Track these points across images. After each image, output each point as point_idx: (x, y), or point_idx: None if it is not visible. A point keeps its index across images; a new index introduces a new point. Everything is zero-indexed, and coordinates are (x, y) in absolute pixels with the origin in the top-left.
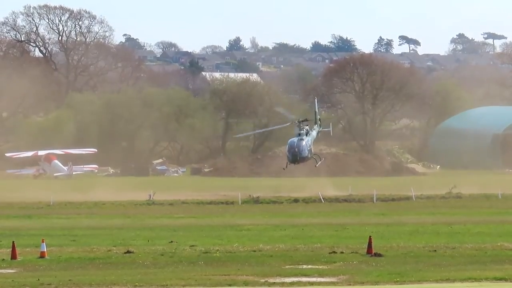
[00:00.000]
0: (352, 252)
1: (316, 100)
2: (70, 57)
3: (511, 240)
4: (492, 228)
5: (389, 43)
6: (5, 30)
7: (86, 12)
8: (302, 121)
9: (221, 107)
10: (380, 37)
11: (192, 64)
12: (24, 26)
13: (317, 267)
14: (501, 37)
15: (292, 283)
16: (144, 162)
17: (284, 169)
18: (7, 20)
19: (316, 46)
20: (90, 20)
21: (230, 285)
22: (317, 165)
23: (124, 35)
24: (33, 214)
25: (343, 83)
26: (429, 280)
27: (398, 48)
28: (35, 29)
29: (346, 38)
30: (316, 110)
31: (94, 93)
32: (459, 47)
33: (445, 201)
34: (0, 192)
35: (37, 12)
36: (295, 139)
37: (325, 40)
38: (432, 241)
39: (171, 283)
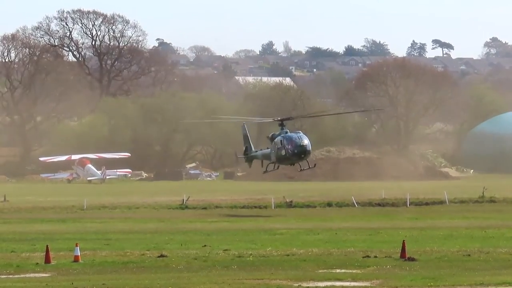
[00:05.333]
0: (385, 257)
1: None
2: (104, 61)
3: None
4: None
5: (422, 47)
6: (39, 34)
7: (119, 16)
8: (285, 119)
9: (254, 111)
10: (413, 41)
11: (225, 68)
12: (58, 31)
13: (350, 271)
14: None
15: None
16: (178, 166)
17: (264, 172)
18: (41, 25)
19: (349, 50)
20: (124, 25)
21: None
22: (301, 170)
23: (157, 39)
24: (67, 218)
25: (377, 87)
26: (463, 285)
27: (432, 52)
28: (68, 33)
29: (379, 42)
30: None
31: (127, 98)
32: (493, 50)
33: (479, 205)
34: (34, 196)
35: (71, 17)
36: (293, 134)
37: (358, 44)
38: (466, 246)
39: (205, 287)
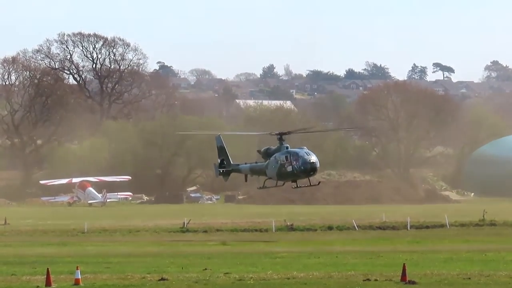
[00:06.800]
0: (386, 280)
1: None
2: (104, 84)
3: None
4: None
5: (423, 70)
6: (39, 57)
7: (120, 39)
8: (284, 133)
9: (255, 137)
10: (414, 64)
11: (226, 91)
12: (58, 54)
13: None
14: None
15: None
16: (178, 190)
17: (260, 188)
18: (41, 48)
19: (350, 73)
20: (124, 48)
21: None
22: (297, 187)
23: (158, 62)
24: (68, 241)
25: (377, 110)
26: None
27: (432, 75)
28: (69, 56)
29: (380, 65)
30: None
31: (128, 121)
32: (493, 74)
33: (479, 228)
34: (34, 219)
35: (71, 40)
36: (299, 150)
37: (359, 67)
38: (466, 269)
39: None
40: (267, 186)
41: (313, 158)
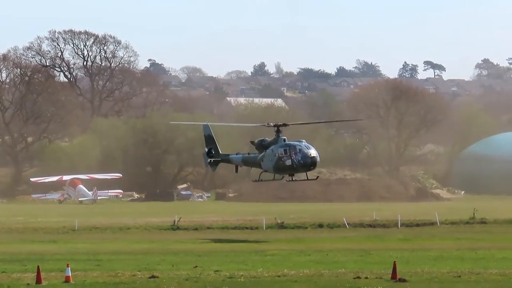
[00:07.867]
0: (376, 278)
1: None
2: (95, 82)
3: None
4: None
5: (414, 69)
6: (30, 55)
7: (111, 37)
8: (281, 125)
9: (246, 132)
10: (405, 62)
11: (217, 89)
12: (49, 51)
13: None
14: None
15: None
16: (169, 187)
17: (256, 181)
18: (32, 45)
19: (341, 71)
20: (115, 45)
21: None
22: (292, 180)
23: (149, 60)
24: (58, 238)
25: (368, 108)
26: None
27: (423, 73)
28: (60, 54)
29: (371, 63)
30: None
31: (119, 118)
32: (484, 72)
33: (469, 226)
34: (25, 216)
35: (62, 37)
36: (299, 143)
37: (350, 65)
38: (457, 267)
39: None
40: (263, 179)
41: (313, 152)
